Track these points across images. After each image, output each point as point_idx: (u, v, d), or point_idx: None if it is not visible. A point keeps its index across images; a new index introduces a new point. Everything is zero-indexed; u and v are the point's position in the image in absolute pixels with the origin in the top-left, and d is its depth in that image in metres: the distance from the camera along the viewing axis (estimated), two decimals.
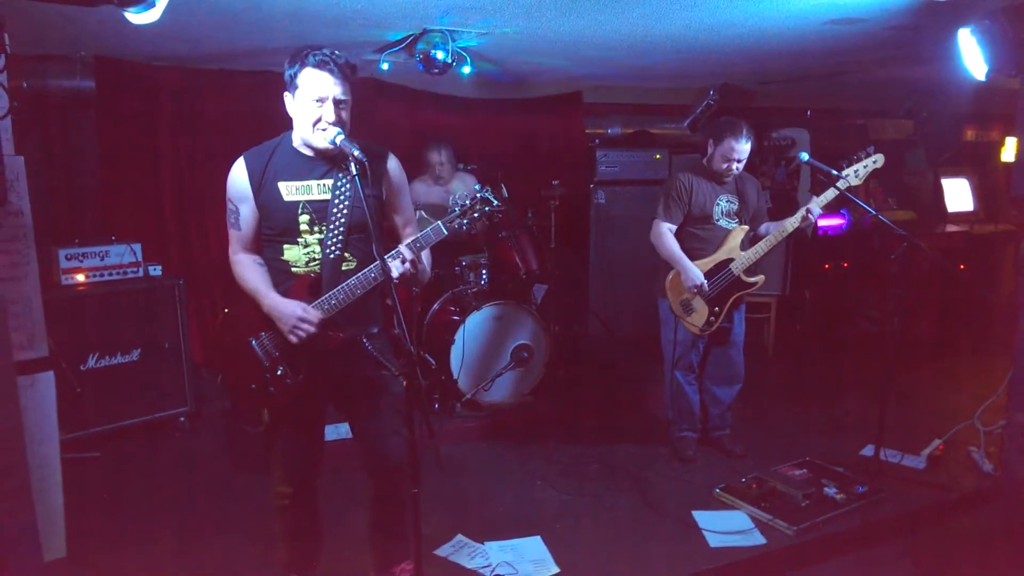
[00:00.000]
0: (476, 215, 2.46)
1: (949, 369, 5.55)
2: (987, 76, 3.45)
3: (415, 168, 5.12)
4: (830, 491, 3.48)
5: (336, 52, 2.33)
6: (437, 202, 4.90)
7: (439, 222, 2.43)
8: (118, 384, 4.15)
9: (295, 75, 2.32)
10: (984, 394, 4.10)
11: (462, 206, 2.45)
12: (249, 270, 2.46)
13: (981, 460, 3.85)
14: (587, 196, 6.15)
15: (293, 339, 2.36)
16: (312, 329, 2.35)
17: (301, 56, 2.31)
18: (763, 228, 3.86)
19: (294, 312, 2.34)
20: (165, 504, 3.54)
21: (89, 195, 4.81)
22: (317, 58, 2.29)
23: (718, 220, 3.82)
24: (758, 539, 3.19)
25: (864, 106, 7.10)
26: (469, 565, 3.01)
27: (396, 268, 2.35)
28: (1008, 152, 7.29)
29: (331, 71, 2.30)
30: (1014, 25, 3.26)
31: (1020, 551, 3.21)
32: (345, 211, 2.40)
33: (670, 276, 3.83)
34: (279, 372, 2.41)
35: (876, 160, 3.62)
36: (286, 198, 2.39)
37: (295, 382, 2.43)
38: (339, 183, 2.40)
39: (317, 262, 2.43)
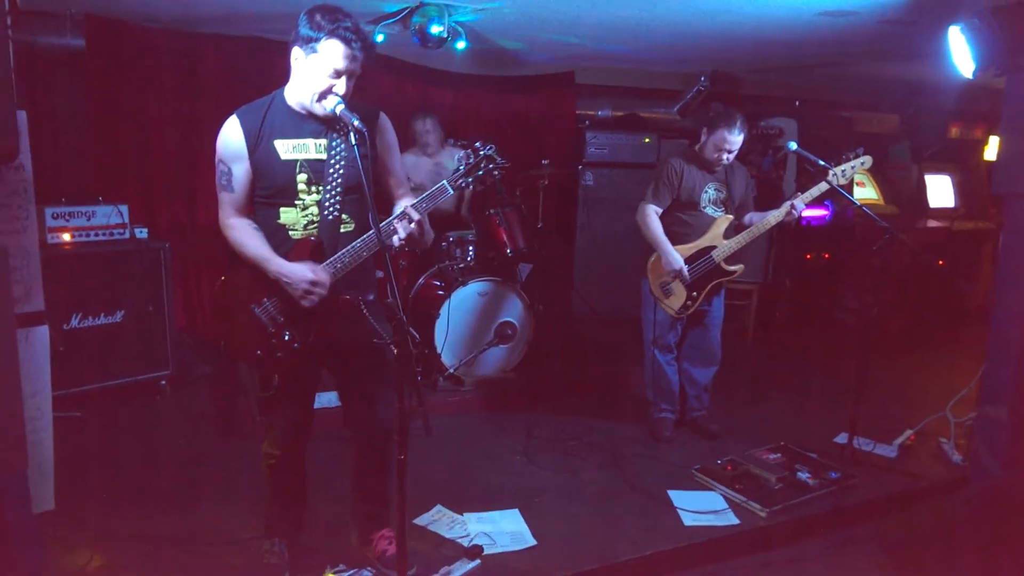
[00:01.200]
0: (481, 172, 2.44)
1: (924, 361, 5.66)
2: (974, 74, 3.50)
3: (404, 142, 5.10)
4: (803, 476, 3.57)
5: (360, 25, 2.26)
6: (425, 178, 4.91)
7: (444, 180, 2.41)
8: (101, 345, 4.14)
9: (316, 39, 2.21)
10: (956, 387, 4.19)
11: (467, 164, 2.44)
12: (247, 235, 2.39)
13: (951, 451, 3.95)
14: (575, 177, 6.18)
15: (306, 303, 2.33)
16: (324, 292, 2.32)
17: (329, 23, 2.21)
18: (748, 218, 3.91)
19: (305, 276, 2.30)
20: (147, 464, 3.56)
21: (74, 154, 4.75)
22: (347, 32, 2.21)
23: (705, 207, 3.86)
24: (731, 519, 3.27)
25: (851, 98, 7.16)
26: (447, 535, 3.06)
27: (403, 228, 2.33)
28: (991, 151, 7.40)
29: (355, 48, 2.23)
30: (1003, 25, 3.30)
31: (985, 540, 3.31)
32: (341, 171, 2.37)
33: (652, 258, 3.88)
34: (286, 337, 2.38)
35: (864, 162, 3.67)
36: (283, 157, 2.34)
37: (303, 346, 2.41)
38: (334, 143, 2.37)
39: (315, 225, 2.39)
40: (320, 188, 2.37)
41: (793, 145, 3.80)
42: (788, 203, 3.67)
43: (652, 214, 3.83)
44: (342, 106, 2.25)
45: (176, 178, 4.98)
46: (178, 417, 4.16)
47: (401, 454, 2.13)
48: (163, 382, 4.41)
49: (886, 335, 6.03)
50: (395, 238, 2.34)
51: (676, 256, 3.76)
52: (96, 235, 4.18)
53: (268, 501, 2.78)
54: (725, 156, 3.76)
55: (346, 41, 2.22)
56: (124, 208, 4.27)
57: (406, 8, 4.14)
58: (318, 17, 2.23)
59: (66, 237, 4.08)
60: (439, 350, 4.40)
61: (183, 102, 4.91)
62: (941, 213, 6.95)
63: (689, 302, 3.83)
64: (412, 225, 2.34)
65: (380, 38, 4.51)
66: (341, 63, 2.24)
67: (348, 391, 2.68)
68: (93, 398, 4.11)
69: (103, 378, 4.18)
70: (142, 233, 4.33)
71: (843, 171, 3.63)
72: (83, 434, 3.83)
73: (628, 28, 4.49)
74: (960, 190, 7.23)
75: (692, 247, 3.82)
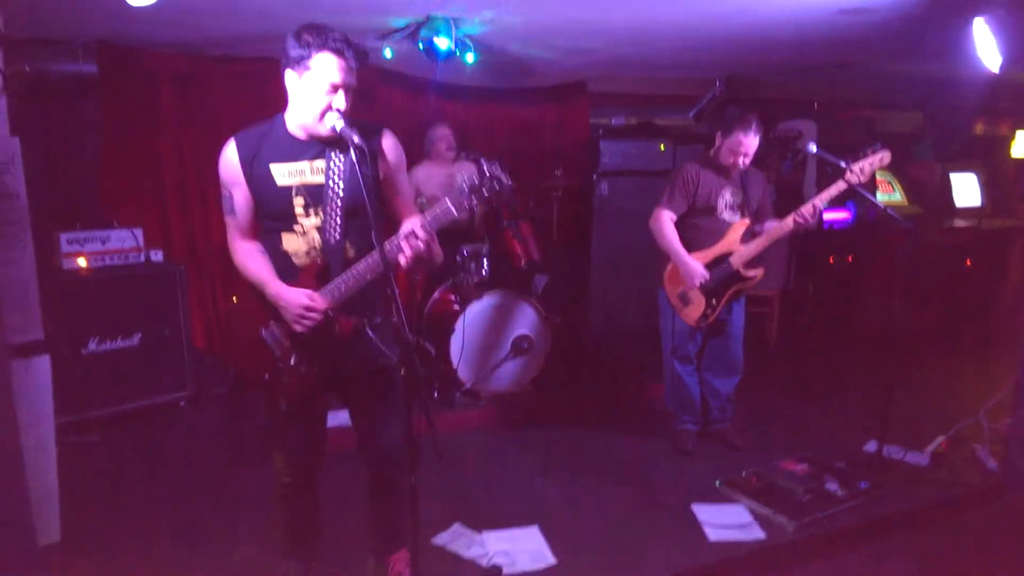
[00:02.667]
0: (486, 193, 2.33)
1: (954, 364, 5.51)
2: (1001, 68, 3.40)
3: (416, 155, 5.09)
4: (831, 486, 3.45)
5: (349, 36, 2.22)
6: (437, 190, 4.88)
7: (446, 199, 2.31)
8: (119, 368, 4.14)
9: (307, 56, 2.17)
10: (988, 390, 4.07)
11: (471, 184, 2.34)
12: (250, 258, 2.37)
13: (986, 458, 3.82)
14: (590, 186, 6.12)
15: (299, 328, 2.29)
16: (318, 317, 2.28)
17: (317, 37, 2.17)
18: (767, 224, 3.81)
19: (299, 301, 2.26)
20: (163, 489, 3.53)
21: (91, 180, 4.79)
22: (337, 44, 2.16)
23: (721, 213, 3.78)
24: (758, 533, 3.17)
25: (872, 98, 7.03)
26: (466, 554, 3.00)
27: (409, 248, 2.24)
28: (1018, 147, 7.23)
29: (348, 58, 2.19)
30: None
31: (1021, 549, 3.19)
32: (341, 194, 2.31)
33: (669, 267, 3.80)
34: (292, 361, 2.35)
35: (882, 158, 3.56)
36: (279, 182, 2.30)
37: (308, 371, 2.37)
38: (332, 164, 2.31)
39: (317, 251, 2.35)
40: (319, 212, 2.32)
41: (813, 147, 3.71)
42: (810, 203, 3.56)
43: (667, 221, 3.76)
44: (342, 123, 2.19)
45: (190, 199, 5.00)
46: (196, 439, 4.14)
47: (412, 477, 2.07)
48: (182, 403, 4.41)
49: (914, 338, 5.90)
50: (400, 257, 2.26)
51: (696, 265, 3.68)
52: (112, 259, 4.20)
53: (282, 526, 2.73)
54: (741, 159, 3.68)
55: (338, 52, 2.18)
56: (139, 231, 4.29)
57: (414, 22, 4.13)
58: (305, 35, 2.19)
59: (81, 262, 4.09)
60: (455, 365, 4.35)
61: (195, 124, 4.93)
62: (967, 212, 6.80)
63: (708, 311, 3.75)
64: (419, 243, 2.25)
65: (389, 53, 4.50)
66: (337, 76, 2.19)
67: (356, 415, 2.63)
68: (112, 422, 4.10)
69: (122, 401, 4.18)
70: (157, 256, 4.35)
71: (860, 168, 3.51)
72: (101, 460, 3.81)
73: (640, 34, 4.44)
74: (987, 188, 7.07)
75: (709, 253, 3.74)
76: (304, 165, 2.32)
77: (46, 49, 4.42)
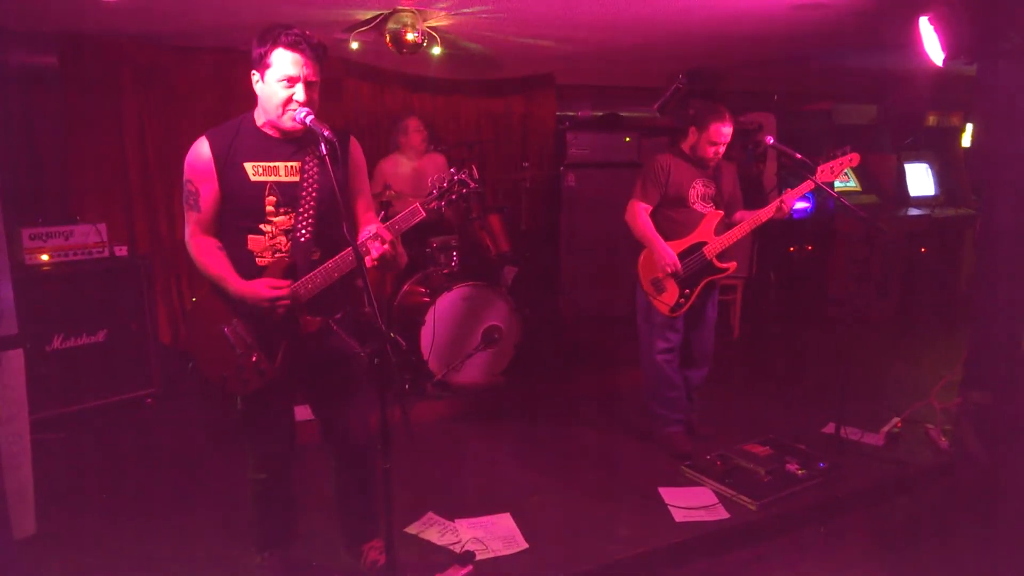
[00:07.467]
0: (454, 197, 2.46)
1: (909, 349, 5.69)
2: (944, 62, 3.54)
3: (384, 148, 5.10)
4: (792, 467, 3.57)
5: (307, 32, 2.28)
6: (405, 185, 4.90)
7: (417, 204, 2.43)
8: (84, 365, 4.11)
9: (265, 54, 2.24)
10: (942, 373, 4.22)
11: (440, 188, 2.46)
12: (209, 255, 2.38)
13: (937, 437, 3.97)
14: (558, 178, 6.18)
15: (276, 317, 2.33)
16: (288, 301, 2.32)
17: (272, 35, 2.24)
18: (738, 215, 3.88)
19: (263, 293, 2.30)
20: (133, 484, 3.53)
21: (51, 174, 4.72)
22: (290, 38, 2.23)
23: (694, 204, 3.81)
24: (721, 514, 3.27)
25: (829, 91, 7.20)
26: (439, 542, 3.04)
27: (375, 249, 2.34)
28: (968, 137, 7.46)
29: (303, 51, 2.24)
30: (970, 13, 3.35)
31: (972, 524, 3.33)
32: (314, 194, 2.36)
33: (642, 254, 3.84)
34: (254, 359, 2.39)
35: (852, 159, 3.68)
36: (252, 178, 2.34)
37: (270, 368, 2.41)
38: (307, 166, 2.36)
39: (283, 252, 2.38)
40: (289, 211, 2.36)
41: (770, 140, 3.80)
42: (779, 200, 3.64)
43: (642, 212, 3.77)
44: (312, 116, 2.24)
45: (155, 193, 4.95)
46: (165, 434, 4.12)
47: (385, 464, 2.11)
48: (149, 400, 4.38)
49: (871, 324, 6.08)
50: (367, 259, 2.33)
51: (669, 251, 3.68)
52: (75, 254, 4.15)
53: (257, 520, 2.75)
54: (720, 150, 3.72)
55: (290, 46, 2.24)
56: (102, 227, 4.25)
57: (380, 15, 4.14)
58: (264, 35, 2.26)
59: (44, 258, 4.05)
60: (426, 357, 4.39)
61: (159, 116, 4.88)
62: (922, 201, 7.01)
63: (682, 300, 3.76)
64: (385, 245, 2.34)
65: (354, 46, 4.50)
66: (291, 69, 2.25)
67: (320, 407, 2.66)
68: (78, 419, 4.07)
69: (88, 399, 4.15)
70: (122, 251, 4.31)
71: (831, 168, 3.63)
72: (68, 456, 3.78)
73: (602, 29, 4.50)
74: (939, 178, 7.28)
75: (682, 243, 3.76)
76: (278, 164, 2.36)
77: (3, 40, 4.33)
